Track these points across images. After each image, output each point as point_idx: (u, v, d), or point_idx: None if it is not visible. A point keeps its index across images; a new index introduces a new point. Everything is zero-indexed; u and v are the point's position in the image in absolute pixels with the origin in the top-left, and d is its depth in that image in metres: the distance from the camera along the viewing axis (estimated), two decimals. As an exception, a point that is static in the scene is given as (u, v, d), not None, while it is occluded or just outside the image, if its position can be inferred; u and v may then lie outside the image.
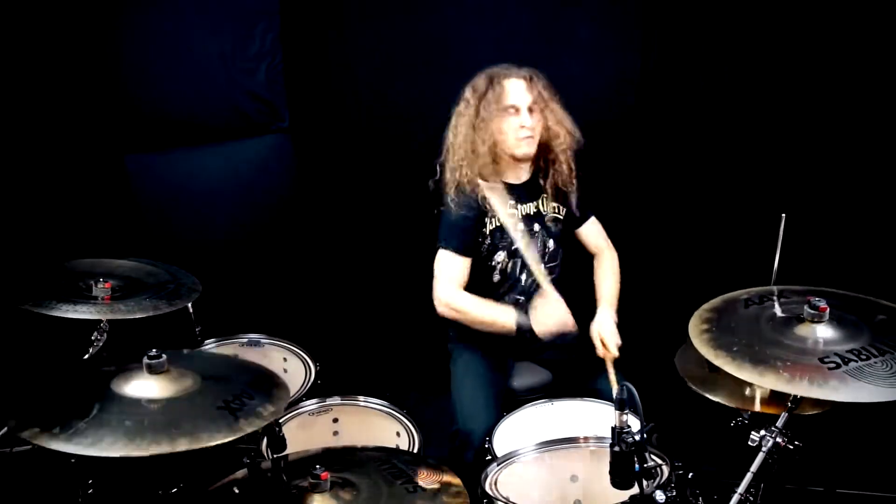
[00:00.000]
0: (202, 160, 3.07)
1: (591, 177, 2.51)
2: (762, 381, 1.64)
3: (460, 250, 2.38)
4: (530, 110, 2.34)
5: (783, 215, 2.07)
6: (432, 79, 3.01)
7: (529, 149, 2.37)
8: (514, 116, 2.34)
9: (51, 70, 2.66)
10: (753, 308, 1.91)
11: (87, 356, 2.10)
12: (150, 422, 1.55)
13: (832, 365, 1.64)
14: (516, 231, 2.41)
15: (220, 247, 3.10)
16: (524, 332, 2.31)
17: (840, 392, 1.59)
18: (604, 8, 2.93)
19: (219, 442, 1.52)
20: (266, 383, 1.81)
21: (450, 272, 2.38)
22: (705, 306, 1.94)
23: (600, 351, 2.31)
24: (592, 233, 2.58)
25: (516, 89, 2.35)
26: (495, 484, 1.95)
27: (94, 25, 2.75)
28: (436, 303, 2.40)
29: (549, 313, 2.31)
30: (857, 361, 1.65)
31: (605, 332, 2.32)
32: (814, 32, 2.69)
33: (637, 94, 2.95)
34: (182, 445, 1.49)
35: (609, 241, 2.60)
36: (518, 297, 2.46)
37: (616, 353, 2.29)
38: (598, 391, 2.29)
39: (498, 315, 2.35)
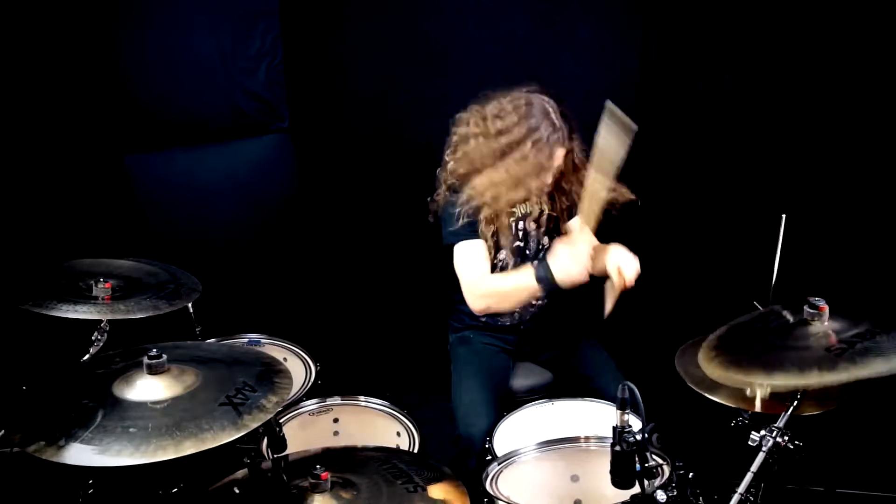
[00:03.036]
0: (202, 160, 3.07)
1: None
2: (772, 380, 1.62)
3: (474, 236, 2.27)
4: None
5: (783, 216, 2.07)
6: (432, 79, 3.01)
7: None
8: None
9: (51, 70, 2.66)
10: (758, 326, 1.90)
11: (85, 358, 2.10)
12: (154, 426, 1.52)
13: (838, 351, 1.62)
14: (517, 230, 2.40)
15: (220, 247, 3.10)
16: (547, 284, 2.12)
17: (851, 371, 1.55)
18: (604, 8, 2.93)
19: (225, 441, 1.51)
20: (266, 372, 1.79)
21: (473, 263, 2.27)
22: (710, 340, 1.91)
23: (616, 281, 2.11)
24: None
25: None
26: (496, 483, 1.95)
27: (94, 25, 2.75)
28: (469, 301, 2.28)
29: (569, 255, 2.08)
30: (861, 342, 1.63)
31: (623, 260, 2.13)
32: (814, 32, 2.70)
33: (637, 94, 2.95)
34: (188, 448, 1.47)
35: None
36: None
37: (632, 282, 2.11)
38: (598, 391, 2.29)
39: (520, 280, 2.19)
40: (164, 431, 1.51)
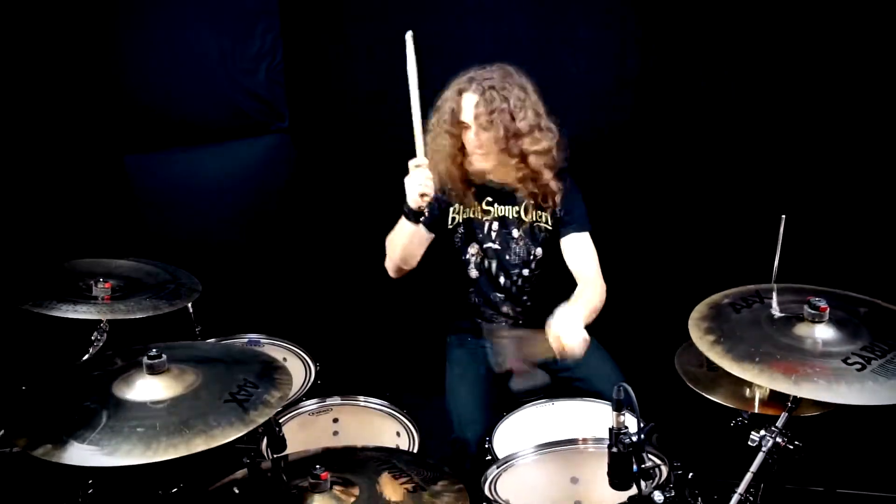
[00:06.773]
0: (202, 160, 3.07)
1: (584, 189, 2.47)
2: (800, 392, 1.58)
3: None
4: (481, 127, 2.25)
5: (783, 216, 2.07)
6: (432, 79, 3.01)
7: (482, 164, 2.32)
8: (467, 130, 2.30)
9: (51, 70, 2.66)
10: (745, 312, 1.86)
11: (84, 358, 2.10)
12: (161, 425, 1.52)
13: (858, 366, 1.60)
14: (490, 230, 2.42)
15: (219, 247, 3.10)
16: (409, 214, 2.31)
17: (880, 393, 1.53)
18: (604, 8, 2.92)
19: (235, 437, 1.51)
20: (266, 369, 1.80)
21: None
22: (695, 315, 1.88)
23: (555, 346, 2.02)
24: (575, 253, 2.39)
25: (468, 105, 2.28)
26: (495, 486, 1.95)
27: (94, 25, 2.75)
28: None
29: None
30: (877, 359, 1.61)
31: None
32: (814, 32, 2.69)
33: (637, 94, 2.95)
34: (199, 445, 1.47)
35: (599, 272, 2.37)
36: (498, 294, 2.47)
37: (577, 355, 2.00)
38: (597, 391, 2.29)
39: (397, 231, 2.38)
40: (173, 430, 1.50)
